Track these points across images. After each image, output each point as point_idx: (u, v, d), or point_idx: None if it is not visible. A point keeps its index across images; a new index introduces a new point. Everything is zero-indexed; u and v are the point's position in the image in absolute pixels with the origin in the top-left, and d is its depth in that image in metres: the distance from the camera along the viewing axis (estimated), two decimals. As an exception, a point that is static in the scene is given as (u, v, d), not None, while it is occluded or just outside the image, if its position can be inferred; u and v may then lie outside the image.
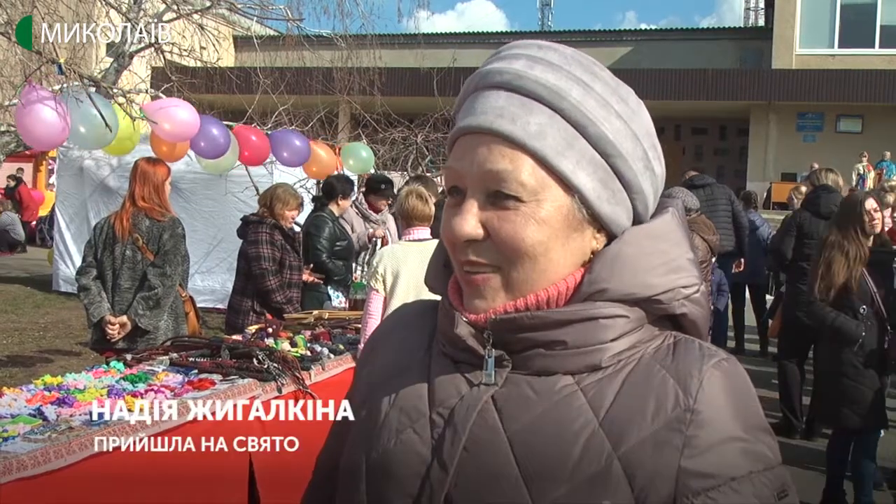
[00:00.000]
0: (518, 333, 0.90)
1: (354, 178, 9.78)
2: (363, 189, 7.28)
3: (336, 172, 7.31)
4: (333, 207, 6.05)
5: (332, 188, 6.15)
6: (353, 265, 6.32)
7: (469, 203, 0.89)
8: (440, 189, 6.60)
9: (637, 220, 0.94)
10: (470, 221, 0.88)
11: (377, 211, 6.62)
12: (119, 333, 4.31)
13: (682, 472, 0.84)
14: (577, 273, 0.91)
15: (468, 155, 0.90)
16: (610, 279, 0.89)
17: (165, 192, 4.46)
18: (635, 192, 0.92)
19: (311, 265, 5.70)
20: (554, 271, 0.90)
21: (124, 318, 4.30)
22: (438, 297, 1.03)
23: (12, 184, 17.52)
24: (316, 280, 5.73)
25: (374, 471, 0.95)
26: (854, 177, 17.86)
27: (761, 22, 28.99)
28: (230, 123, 6.96)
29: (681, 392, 0.86)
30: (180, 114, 5.30)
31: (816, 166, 9.92)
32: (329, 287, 5.88)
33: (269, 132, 7.35)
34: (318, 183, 7.94)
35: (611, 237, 0.93)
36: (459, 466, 0.88)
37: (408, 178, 10.18)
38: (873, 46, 22.66)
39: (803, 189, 7.51)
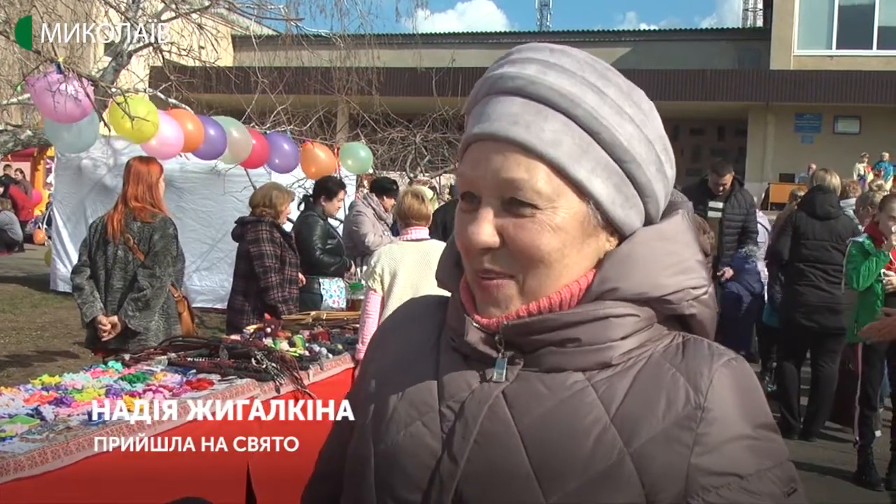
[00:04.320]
0: (530, 336, 0.91)
1: (353, 178, 9.82)
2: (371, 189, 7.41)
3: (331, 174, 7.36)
4: (320, 208, 6.10)
5: (322, 188, 6.21)
6: (351, 262, 6.35)
7: (484, 210, 0.89)
8: (433, 190, 6.75)
9: (648, 221, 0.95)
10: (486, 229, 0.88)
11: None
12: (110, 334, 4.30)
13: (693, 469, 0.84)
14: (588, 274, 0.92)
15: (482, 162, 0.90)
16: (621, 279, 0.90)
17: (159, 190, 4.44)
18: (648, 196, 0.93)
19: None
20: (568, 276, 0.91)
21: (115, 319, 4.29)
22: (443, 293, 1.04)
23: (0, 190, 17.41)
24: (302, 281, 5.75)
25: (383, 463, 0.95)
26: (854, 177, 17.84)
27: (760, 23, 28.96)
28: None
29: (691, 390, 0.86)
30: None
31: (814, 167, 9.93)
32: (324, 279, 5.89)
33: (266, 132, 7.36)
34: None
35: (622, 239, 0.94)
36: (470, 460, 0.89)
37: (407, 179, 10.20)
38: (871, 47, 22.67)
39: (800, 195, 7.49)
